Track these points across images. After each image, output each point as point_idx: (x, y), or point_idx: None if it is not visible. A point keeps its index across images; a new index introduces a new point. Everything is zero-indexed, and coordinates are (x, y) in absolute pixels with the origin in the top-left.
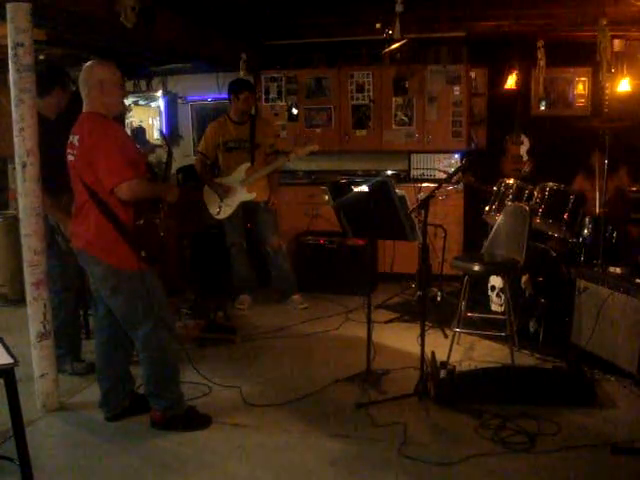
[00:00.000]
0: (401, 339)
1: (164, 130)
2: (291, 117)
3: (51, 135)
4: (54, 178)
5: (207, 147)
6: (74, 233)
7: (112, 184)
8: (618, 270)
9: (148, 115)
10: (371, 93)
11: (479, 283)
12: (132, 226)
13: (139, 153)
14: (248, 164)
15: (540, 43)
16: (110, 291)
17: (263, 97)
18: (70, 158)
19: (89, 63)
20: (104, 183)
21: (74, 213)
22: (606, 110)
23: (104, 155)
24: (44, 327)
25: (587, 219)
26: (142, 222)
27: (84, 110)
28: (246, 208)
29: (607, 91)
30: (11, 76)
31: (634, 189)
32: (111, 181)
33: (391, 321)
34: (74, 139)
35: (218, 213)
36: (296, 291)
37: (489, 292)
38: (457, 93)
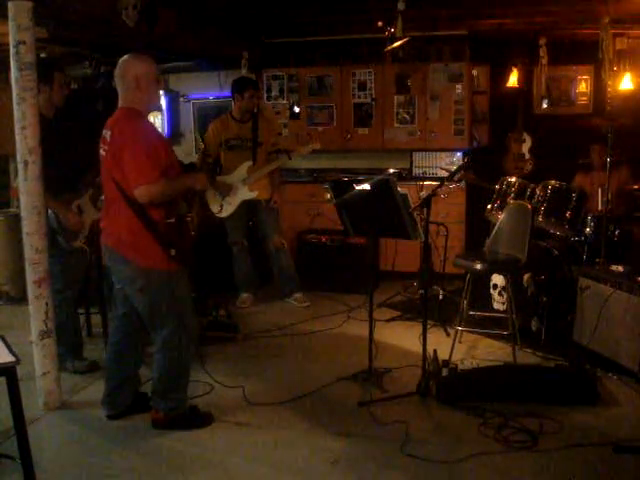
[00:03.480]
0: (403, 337)
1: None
2: (293, 115)
3: (49, 134)
4: (53, 178)
5: (209, 145)
6: (103, 229)
7: (132, 185)
8: (620, 268)
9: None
10: (373, 91)
11: (481, 281)
12: (163, 224)
13: (171, 155)
14: (250, 163)
15: (542, 41)
16: (137, 291)
17: (265, 95)
18: (102, 152)
19: (125, 57)
20: (130, 184)
21: (103, 209)
22: (608, 108)
23: (130, 155)
24: (46, 325)
25: (589, 217)
26: (173, 220)
27: (120, 105)
28: (248, 206)
29: (609, 89)
30: (12, 74)
31: (636, 187)
32: (132, 182)
33: (393, 320)
34: (106, 134)
35: (220, 211)
36: (298, 289)
37: (491, 290)
38: (459, 91)
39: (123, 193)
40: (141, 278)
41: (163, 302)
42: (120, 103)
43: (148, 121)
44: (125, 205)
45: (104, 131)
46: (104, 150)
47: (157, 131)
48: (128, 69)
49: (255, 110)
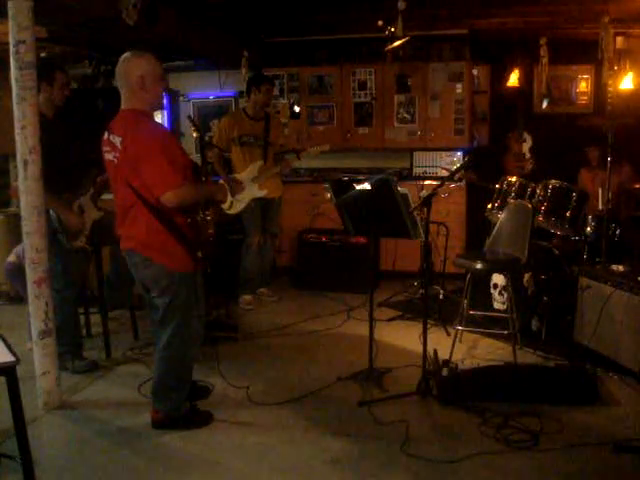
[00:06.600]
0: (403, 337)
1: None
2: (293, 115)
3: (49, 134)
4: (54, 177)
5: (221, 139)
6: (121, 236)
7: (158, 193)
8: (621, 268)
9: None
10: (373, 91)
11: (481, 281)
12: (187, 227)
13: (185, 154)
14: (261, 162)
15: (543, 40)
16: (159, 292)
17: None
18: (109, 157)
19: (126, 55)
20: (151, 191)
21: (118, 216)
22: (609, 107)
23: (149, 162)
24: (46, 325)
25: (590, 217)
26: (194, 220)
27: (123, 107)
28: (262, 205)
29: (610, 88)
30: (12, 74)
31: (637, 186)
32: (157, 190)
33: (393, 319)
34: (115, 139)
35: (229, 208)
36: (267, 284)
37: (491, 290)
38: (459, 91)
39: (142, 199)
40: (164, 279)
41: (180, 302)
42: (123, 104)
43: (156, 121)
44: (145, 210)
45: (110, 135)
46: (112, 156)
47: (167, 130)
48: (132, 68)
49: (267, 108)
